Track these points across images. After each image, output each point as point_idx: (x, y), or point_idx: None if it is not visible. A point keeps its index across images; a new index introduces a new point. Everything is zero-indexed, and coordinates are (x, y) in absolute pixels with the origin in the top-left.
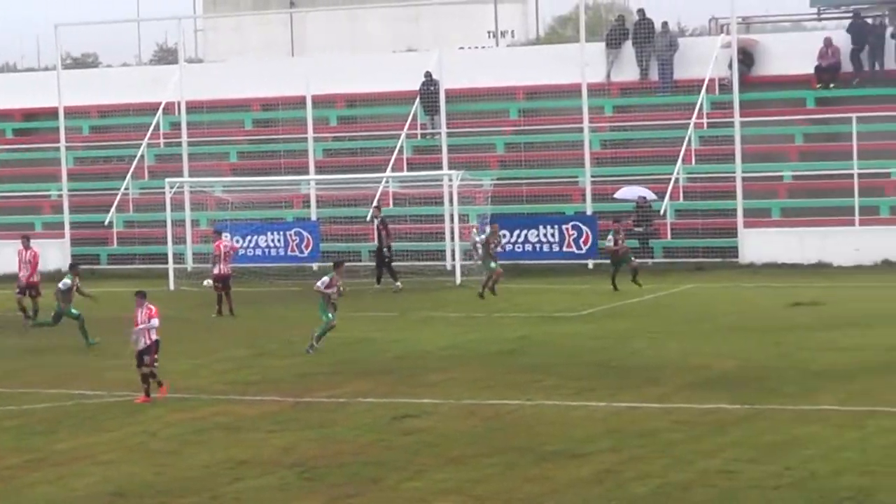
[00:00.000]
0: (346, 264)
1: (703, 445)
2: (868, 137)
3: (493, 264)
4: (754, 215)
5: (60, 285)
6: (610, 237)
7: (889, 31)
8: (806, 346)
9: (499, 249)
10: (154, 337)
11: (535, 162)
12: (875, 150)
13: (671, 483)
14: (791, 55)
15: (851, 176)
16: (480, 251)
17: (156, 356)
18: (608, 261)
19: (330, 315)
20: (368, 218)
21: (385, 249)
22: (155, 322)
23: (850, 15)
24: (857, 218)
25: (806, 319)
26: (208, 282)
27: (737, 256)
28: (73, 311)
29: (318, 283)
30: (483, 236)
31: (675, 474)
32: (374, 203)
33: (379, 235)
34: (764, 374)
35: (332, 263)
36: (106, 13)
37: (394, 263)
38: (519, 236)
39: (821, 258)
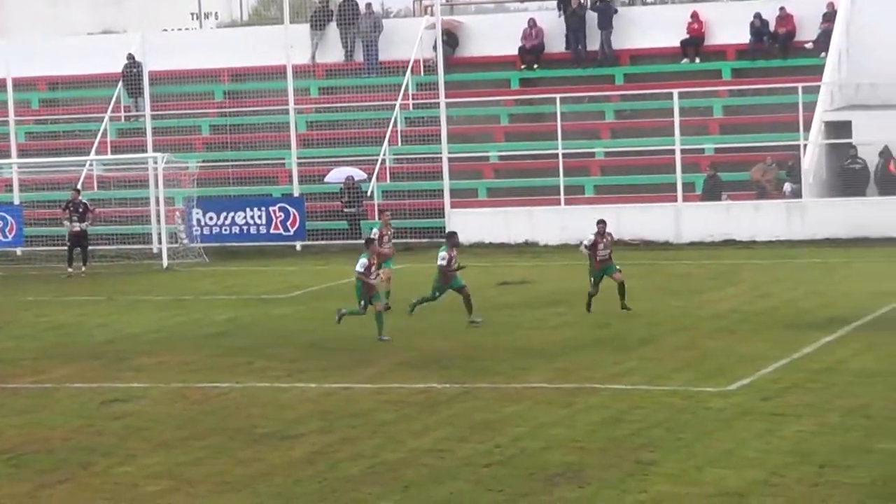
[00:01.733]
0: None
1: (415, 425)
2: (572, 118)
3: (438, 294)
4: (461, 196)
5: (440, 259)
6: (591, 236)
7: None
8: (515, 325)
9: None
10: None
11: (241, 144)
12: (579, 131)
13: (383, 463)
14: (495, 36)
15: (556, 156)
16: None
17: None
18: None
19: (363, 302)
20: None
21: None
22: None
23: None
24: (562, 197)
25: (514, 298)
26: None
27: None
28: (437, 294)
29: (357, 267)
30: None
31: (386, 454)
32: (76, 186)
33: (83, 217)
34: (474, 353)
35: (363, 242)
36: None
37: (91, 247)
38: (226, 218)
39: (528, 237)
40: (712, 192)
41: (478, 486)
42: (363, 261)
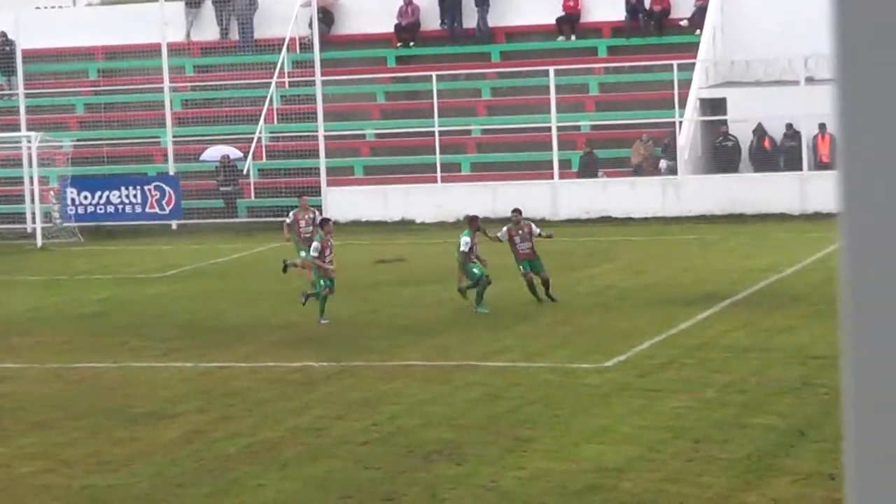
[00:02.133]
0: None
1: (292, 403)
2: (448, 95)
3: (476, 270)
4: (337, 173)
5: (462, 245)
6: (504, 230)
7: None
8: (392, 303)
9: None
10: None
11: (115, 122)
12: (455, 108)
13: (260, 441)
14: (371, 14)
15: (433, 133)
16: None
17: None
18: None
19: (322, 282)
20: None
21: None
22: None
23: None
24: (438, 175)
25: (391, 276)
26: None
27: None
28: (475, 270)
29: (312, 251)
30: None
31: (264, 432)
32: None
33: None
34: (351, 331)
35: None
36: None
37: None
38: (101, 197)
39: (404, 215)
40: (588, 169)
41: (356, 465)
42: (316, 244)
